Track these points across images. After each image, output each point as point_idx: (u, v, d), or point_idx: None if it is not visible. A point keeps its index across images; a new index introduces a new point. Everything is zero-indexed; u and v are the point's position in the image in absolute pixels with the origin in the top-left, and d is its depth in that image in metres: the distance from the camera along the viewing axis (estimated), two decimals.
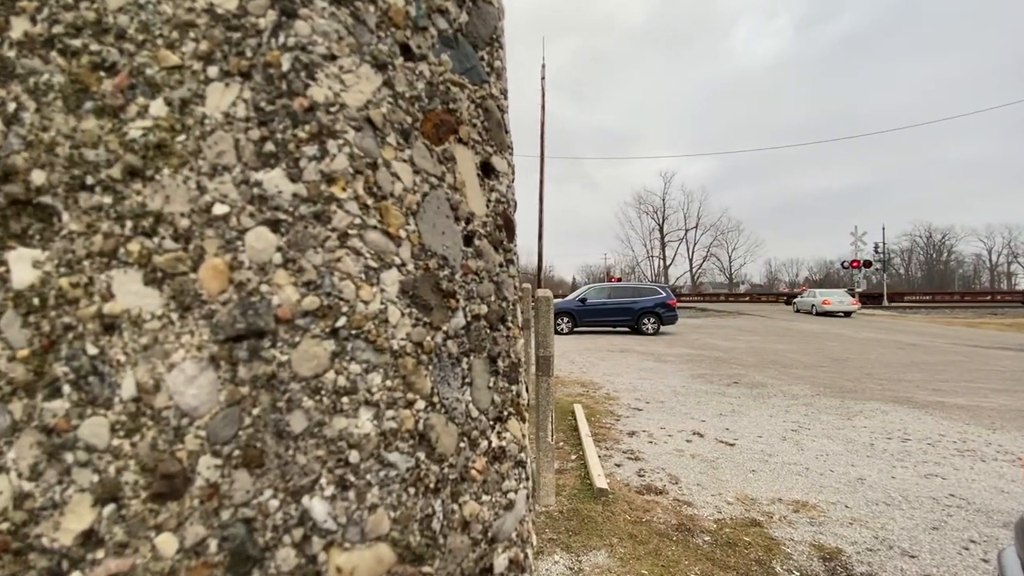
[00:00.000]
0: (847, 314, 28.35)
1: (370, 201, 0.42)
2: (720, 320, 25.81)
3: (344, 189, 0.41)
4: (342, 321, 0.41)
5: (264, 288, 0.40)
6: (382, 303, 0.42)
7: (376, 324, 0.42)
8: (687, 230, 72.28)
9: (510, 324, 0.53)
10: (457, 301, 0.48)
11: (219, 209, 0.40)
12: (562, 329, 17.10)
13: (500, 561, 0.48)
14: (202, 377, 0.40)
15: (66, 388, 0.40)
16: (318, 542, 0.39)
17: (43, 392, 0.40)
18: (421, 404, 0.44)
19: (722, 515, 3.85)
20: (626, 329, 17.74)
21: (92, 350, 0.40)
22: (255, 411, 0.39)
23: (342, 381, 0.40)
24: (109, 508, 0.39)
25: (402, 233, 0.44)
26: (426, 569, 0.42)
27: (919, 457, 5.01)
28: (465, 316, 0.48)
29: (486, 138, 0.51)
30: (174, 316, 0.40)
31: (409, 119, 0.45)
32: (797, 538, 3.49)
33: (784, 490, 4.31)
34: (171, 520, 0.39)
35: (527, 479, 0.52)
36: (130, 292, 0.40)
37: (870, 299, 41.71)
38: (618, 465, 4.82)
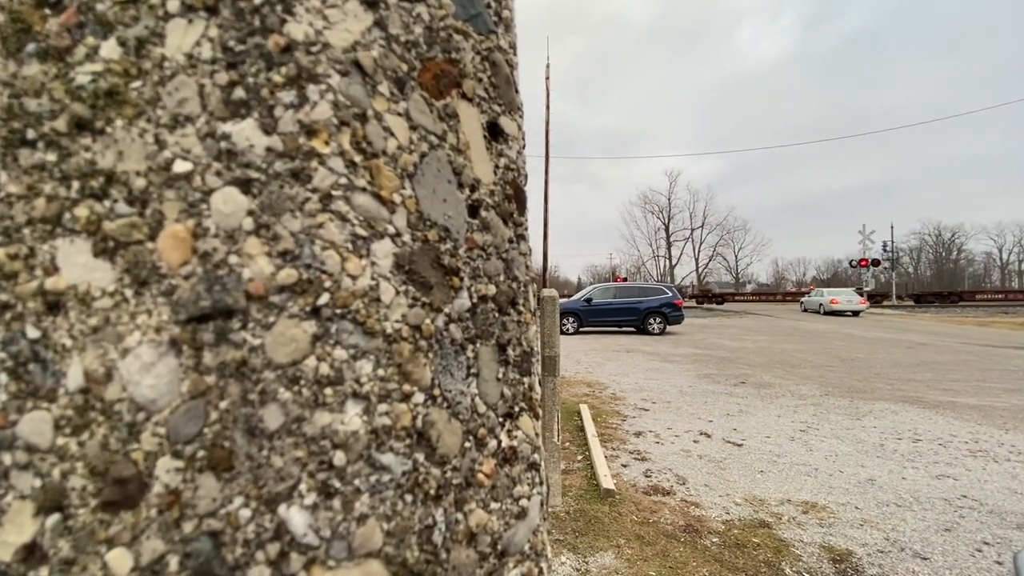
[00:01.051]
0: (855, 313, 28.09)
1: (358, 158, 0.36)
2: (726, 320, 25.66)
3: (327, 143, 0.35)
4: (325, 298, 0.34)
5: (233, 259, 0.34)
6: (373, 279, 0.36)
7: (366, 303, 0.36)
8: (693, 229, 71.95)
9: (521, 308, 0.46)
10: (461, 280, 0.41)
11: (180, 167, 0.34)
12: (567, 329, 17.01)
13: None
14: (161, 364, 0.34)
15: (2, 377, 0.34)
16: (297, 559, 0.33)
17: None
18: (419, 397, 0.38)
19: (730, 516, 3.79)
20: (632, 329, 17.64)
21: (33, 333, 0.34)
22: (223, 404, 0.33)
23: (325, 369, 0.34)
24: (53, 518, 0.33)
25: (396, 198, 0.38)
26: None
27: (930, 458, 4.92)
28: (470, 297, 0.42)
29: (493, 95, 0.45)
30: (128, 293, 0.34)
31: (405, 67, 0.39)
32: (807, 540, 3.43)
33: (793, 491, 4.25)
34: (124, 533, 0.33)
35: (541, 484, 0.46)
36: (77, 265, 0.34)
37: (881, 297, 41.46)
38: (625, 466, 4.76)
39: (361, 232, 0.36)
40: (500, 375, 0.44)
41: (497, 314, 0.44)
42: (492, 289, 0.44)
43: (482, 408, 0.42)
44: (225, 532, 0.33)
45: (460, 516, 0.39)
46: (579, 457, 4.92)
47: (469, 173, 0.42)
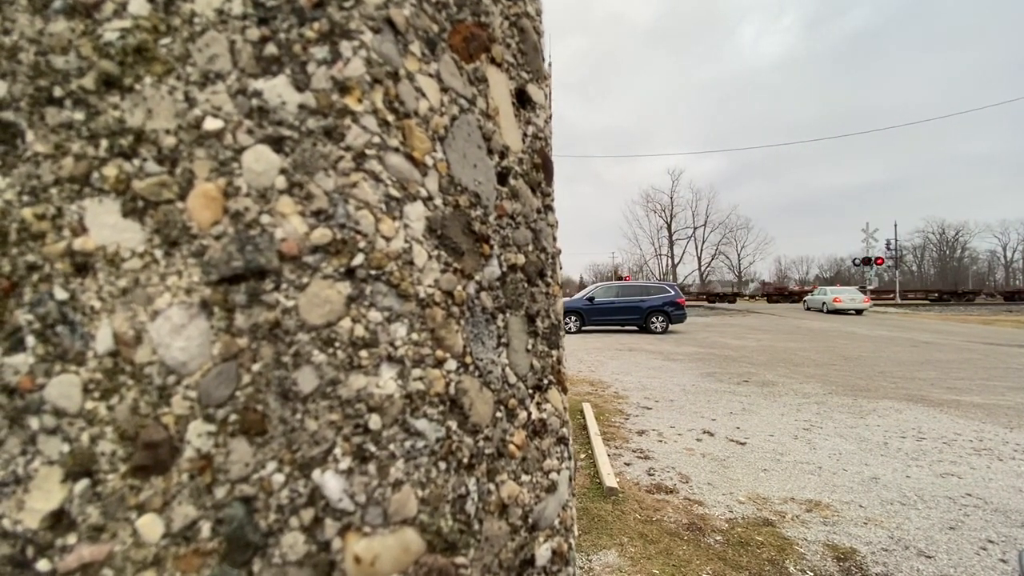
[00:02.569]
0: (858, 312, 28.03)
1: (391, 118, 0.35)
2: (729, 318, 25.61)
3: (360, 101, 0.34)
4: (359, 259, 0.34)
5: (265, 219, 0.33)
6: (406, 241, 0.35)
7: (399, 265, 0.35)
8: (695, 228, 71.86)
9: (549, 280, 0.46)
10: (491, 247, 0.41)
11: (211, 124, 0.33)
12: (570, 328, 16.98)
13: (542, 552, 0.41)
14: (192, 326, 0.33)
15: (30, 340, 0.33)
16: (332, 525, 0.32)
17: (2, 345, 0.33)
18: (452, 364, 0.37)
19: (733, 514, 3.78)
20: (634, 328, 17.62)
21: (61, 294, 0.33)
22: (255, 367, 0.33)
23: (360, 331, 0.33)
24: (82, 484, 0.33)
25: (428, 160, 0.37)
26: (459, 560, 0.35)
27: (934, 456, 4.91)
28: (500, 265, 0.41)
29: (521, 62, 0.44)
30: (158, 253, 0.33)
31: (435, 27, 0.38)
32: (811, 538, 3.42)
33: (796, 489, 4.23)
34: (155, 499, 0.33)
35: (569, 458, 0.45)
36: (106, 225, 0.33)
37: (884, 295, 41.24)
38: (628, 464, 4.75)
39: (394, 193, 0.35)
40: (529, 346, 0.43)
41: (526, 284, 0.43)
42: (521, 259, 0.43)
43: (512, 379, 0.41)
44: (258, 498, 0.32)
45: (492, 487, 0.38)
46: (582, 455, 4.91)
47: (498, 139, 0.42)
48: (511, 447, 0.40)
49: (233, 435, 0.32)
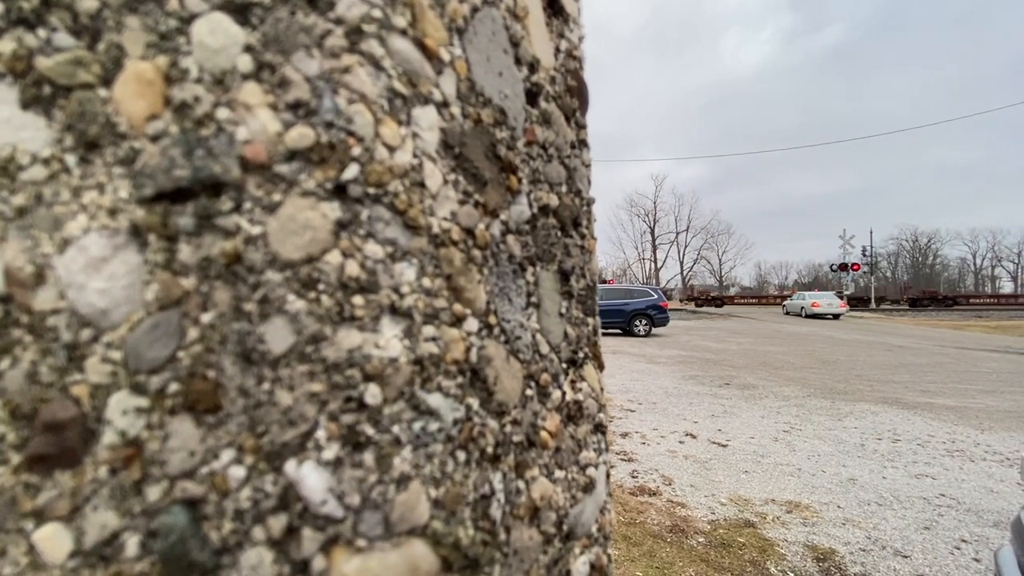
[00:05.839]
0: (836, 316, 28.65)
1: None
2: (711, 322, 25.94)
3: None
4: (353, 171, 0.24)
5: (223, 113, 0.24)
6: (415, 155, 0.26)
7: (407, 186, 0.26)
8: (678, 233, 72.73)
9: (584, 231, 0.37)
10: (519, 181, 0.32)
11: None
12: None
13: (579, 567, 0.32)
14: (116, 261, 0.23)
15: None
16: (311, 538, 0.23)
17: None
18: (473, 324, 0.28)
19: (716, 516, 3.81)
20: (618, 331, 17.66)
21: None
22: (206, 318, 0.23)
23: (354, 269, 0.24)
24: None
25: (444, 55, 0.28)
26: None
27: (909, 457, 5.01)
28: (530, 205, 0.33)
29: None
30: (70, 160, 0.24)
31: None
32: (791, 539, 3.47)
33: (777, 491, 4.28)
34: (60, 502, 0.23)
35: (607, 450, 0.37)
36: None
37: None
38: (611, 467, 4.73)
39: (400, 88, 0.26)
40: (563, 310, 0.34)
41: (559, 233, 0.35)
42: (554, 200, 0.34)
43: (544, 348, 0.32)
44: (208, 500, 0.23)
45: (522, 484, 0.29)
46: None
47: (527, 48, 0.33)
48: (543, 435, 0.31)
49: (173, 413, 0.23)
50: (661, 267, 72.93)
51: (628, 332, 17.32)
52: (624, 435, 5.70)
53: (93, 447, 0.23)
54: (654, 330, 17.86)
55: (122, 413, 0.23)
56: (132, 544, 0.23)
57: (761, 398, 7.58)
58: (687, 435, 5.75)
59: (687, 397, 7.63)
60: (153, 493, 0.23)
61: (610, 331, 17.75)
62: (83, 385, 0.23)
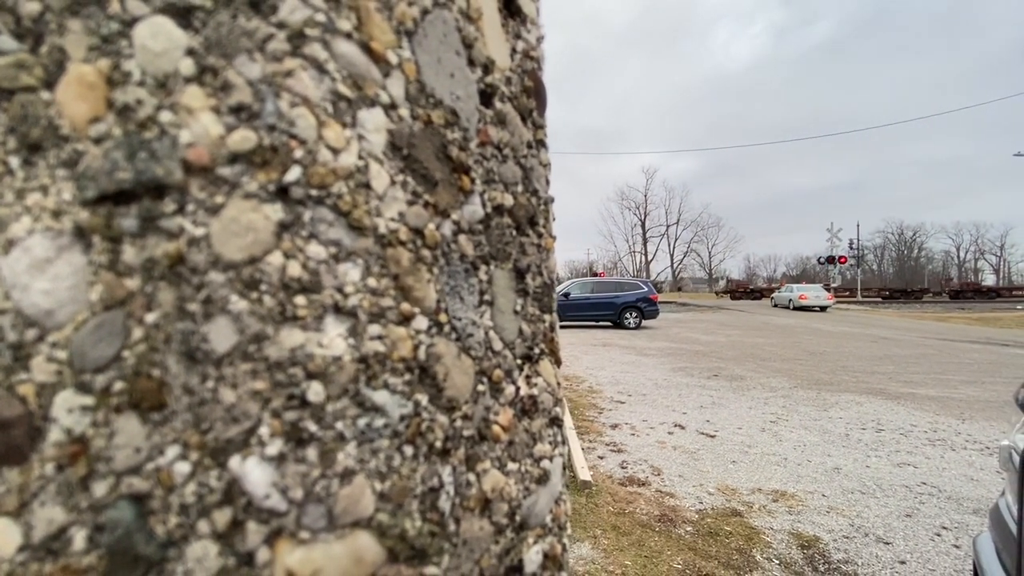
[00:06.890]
0: (823, 308, 28.98)
1: None
2: (700, 314, 26.12)
3: None
4: (295, 173, 0.25)
5: (165, 116, 0.24)
6: (361, 157, 0.27)
7: (351, 188, 0.26)
8: (668, 226, 73.00)
9: (541, 229, 0.38)
10: (472, 181, 0.32)
11: None
12: None
13: (532, 556, 0.33)
14: (60, 262, 0.24)
15: None
16: (256, 530, 0.24)
17: None
18: (422, 322, 0.29)
19: (704, 506, 3.85)
20: (608, 324, 17.75)
21: None
22: (150, 318, 0.24)
23: (296, 270, 0.25)
24: None
25: (392, 57, 0.28)
26: (430, 570, 0.27)
27: (892, 447, 5.09)
28: (483, 205, 0.33)
29: None
30: (14, 162, 0.24)
31: None
32: (776, 527, 3.52)
33: (763, 480, 4.34)
34: (8, 498, 0.24)
35: (563, 443, 0.38)
36: None
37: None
38: (601, 457, 4.75)
39: (345, 91, 0.26)
40: (518, 307, 0.35)
41: (514, 232, 0.35)
42: (509, 200, 0.35)
43: (498, 345, 0.33)
44: (154, 495, 0.24)
45: (472, 477, 0.30)
46: None
47: (481, 49, 0.33)
48: (495, 429, 0.32)
49: (118, 411, 0.24)
50: (652, 260, 73.15)
51: (618, 325, 17.41)
52: (614, 426, 5.74)
53: (40, 444, 0.24)
54: (644, 322, 17.96)
55: (68, 411, 0.24)
56: (80, 538, 0.24)
57: (749, 389, 7.67)
58: (676, 426, 5.80)
59: (676, 389, 7.70)
60: (99, 489, 0.24)
61: (600, 324, 17.85)
62: (29, 384, 0.24)
